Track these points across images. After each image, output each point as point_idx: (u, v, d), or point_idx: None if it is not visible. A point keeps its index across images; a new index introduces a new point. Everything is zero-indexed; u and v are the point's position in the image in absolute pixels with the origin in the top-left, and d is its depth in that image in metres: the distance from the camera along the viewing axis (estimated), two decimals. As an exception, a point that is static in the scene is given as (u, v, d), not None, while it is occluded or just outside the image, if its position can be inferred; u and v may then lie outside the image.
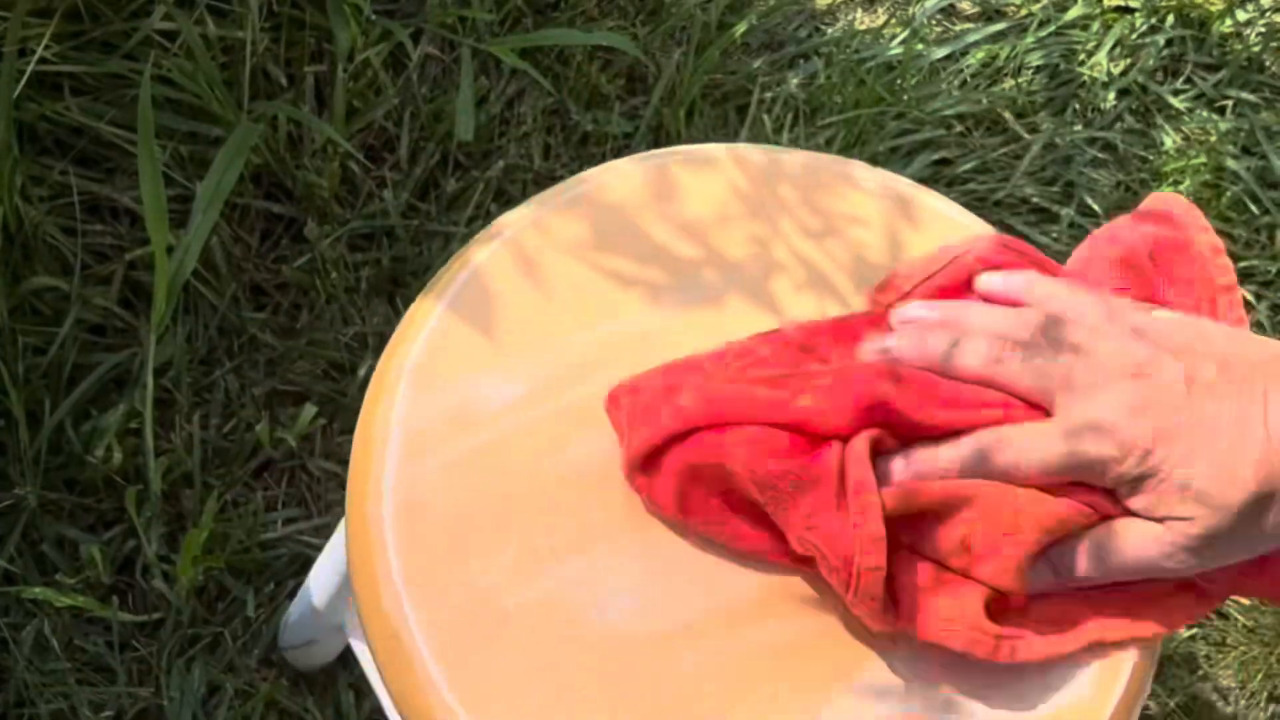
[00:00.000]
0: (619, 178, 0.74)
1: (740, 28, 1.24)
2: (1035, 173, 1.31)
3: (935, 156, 1.27)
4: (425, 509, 0.64)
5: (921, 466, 0.57)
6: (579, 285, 0.70)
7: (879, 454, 0.58)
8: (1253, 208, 1.32)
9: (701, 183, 0.73)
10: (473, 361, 0.68)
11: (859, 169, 0.75)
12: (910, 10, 1.36)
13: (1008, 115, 1.30)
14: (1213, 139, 1.33)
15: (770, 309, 0.71)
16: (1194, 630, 1.18)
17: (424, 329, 0.70)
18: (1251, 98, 1.38)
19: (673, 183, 0.74)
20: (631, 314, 0.70)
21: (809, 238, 0.73)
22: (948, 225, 0.74)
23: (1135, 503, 0.55)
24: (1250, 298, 1.28)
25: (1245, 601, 1.18)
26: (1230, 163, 1.32)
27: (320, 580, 0.91)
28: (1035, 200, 1.30)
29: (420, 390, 0.67)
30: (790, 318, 0.70)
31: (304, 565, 1.05)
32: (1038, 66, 1.36)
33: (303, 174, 1.11)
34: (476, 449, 0.65)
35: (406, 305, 1.09)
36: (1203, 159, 1.31)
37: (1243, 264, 1.28)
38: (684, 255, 0.71)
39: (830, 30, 1.33)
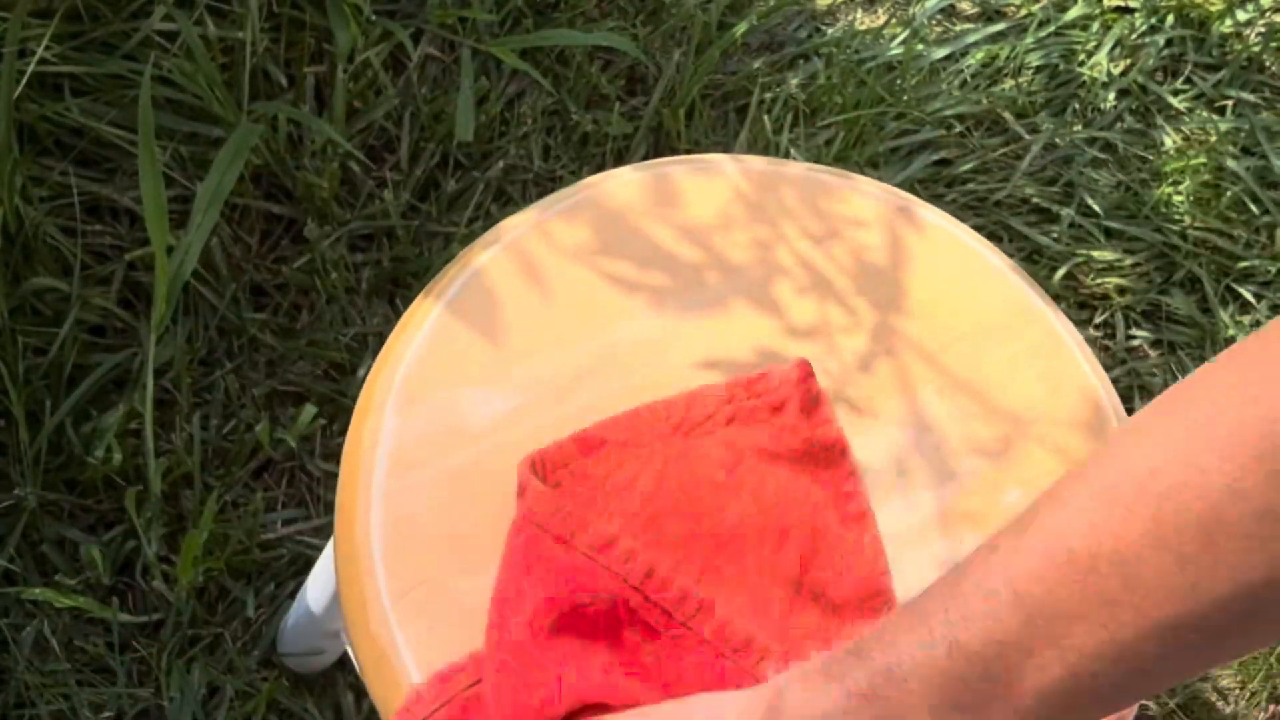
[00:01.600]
0: (620, 184, 0.75)
1: (740, 28, 1.25)
2: (1035, 172, 1.31)
3: (935, 157, 1.28)
4: (412, 526, 0.64)
5: None
6: (578, 292, 0.71)
7: None
8: (1253, 208, 1.32)
9: (703, 189, 0.74)
10: (464, 374, 0.68)
11: (860, 181, 0.76)
12: (910, 10, 1.36)
13: (1008, 116, 1.31)
14: (1212, 139, 1.34)
15: (772, 312, 0.72)
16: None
17: (414, 341, 0.69)
18: (1251, 98, 1.39)
19: (674, 189, 0.74)
20: (630, 321, 0.70)
21: (810, 240, 0.74)
22: (945, 236, 0.75)
23: None
24: (1250, 298, 1.29)
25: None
26: (1230, 163, 1.33)
27: (317, 589, 0.91)
28: (1035, 200, 1.30)
29: (411, 405, 0.67)
30: (791, 321, 0.71)
31: (304, 565, 1.05)
32: (1038, 67, 1.37)
33: (303, 174, 1.11)
34: (464, 465, 0.66)
35: (406, 305, 1.09)
36: (1202, 159, 1.31)
37: (1242, 265, 1.29)
38: (685, 260, 0.72)
39: (830, 31, 1.34)
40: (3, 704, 0.99)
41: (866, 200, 0.75)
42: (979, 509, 0.68)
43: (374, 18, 1.14)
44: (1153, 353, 1.27)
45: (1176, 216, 1.30)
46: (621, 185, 0.74)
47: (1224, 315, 1.27)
